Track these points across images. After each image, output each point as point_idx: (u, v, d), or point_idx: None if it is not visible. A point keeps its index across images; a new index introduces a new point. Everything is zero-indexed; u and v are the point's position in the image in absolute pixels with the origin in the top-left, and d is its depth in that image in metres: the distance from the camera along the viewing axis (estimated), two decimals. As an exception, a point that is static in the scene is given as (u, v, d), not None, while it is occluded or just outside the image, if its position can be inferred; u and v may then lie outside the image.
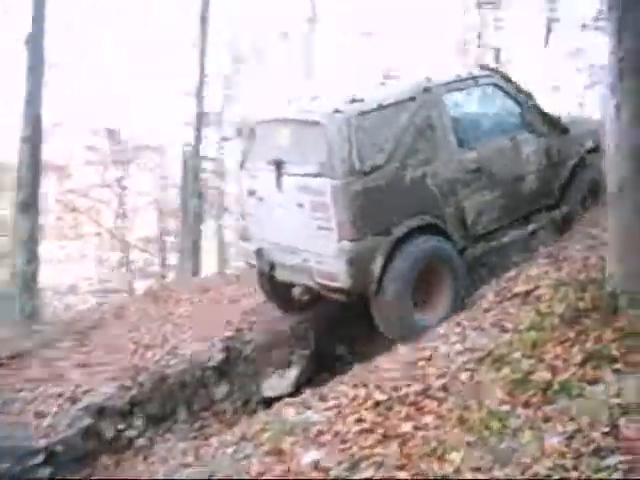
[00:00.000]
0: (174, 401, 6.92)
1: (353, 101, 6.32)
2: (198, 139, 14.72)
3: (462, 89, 7.03)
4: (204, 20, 13.92)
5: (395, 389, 4.80)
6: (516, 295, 5.83)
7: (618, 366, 4.14)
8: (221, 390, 7.24)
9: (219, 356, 7.37)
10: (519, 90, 7.36)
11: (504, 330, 5.20)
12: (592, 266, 5.53)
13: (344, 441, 4.31)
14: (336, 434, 4.44)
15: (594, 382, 4.06)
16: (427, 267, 6.37)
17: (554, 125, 7.42)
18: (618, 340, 4.34)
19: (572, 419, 3.76)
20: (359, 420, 4.51)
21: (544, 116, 7.37)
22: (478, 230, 6.86)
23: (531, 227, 7.26)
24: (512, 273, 6.47)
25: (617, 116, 4.54)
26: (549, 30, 16.16)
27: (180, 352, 7.42)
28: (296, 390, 6.93)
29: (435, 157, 6.52)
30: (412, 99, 6.49)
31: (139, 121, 22.29)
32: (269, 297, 7.87)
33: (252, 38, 24.43)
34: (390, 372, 5.19)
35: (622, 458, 3.36)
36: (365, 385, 5.08)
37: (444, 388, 4.60)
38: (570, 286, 5.28)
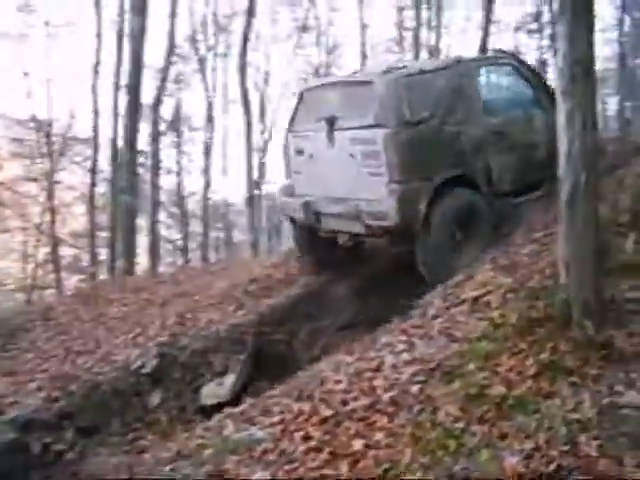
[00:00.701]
0: (106, 411, 6.53)
1: (397, 68, 7.26)
2: (132, 132, 14.17)
3: (486, 65, 8.09)
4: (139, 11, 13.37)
5: (343, 403, 4.58)
6: (464, 301, 5.69)
7: (574, 379, 4.03)
8: (155, 398, 6.89)
9: (153, 362, 7.02)
10: (531, 71, 8.28)
11: (453, 339, 5.05)
12: (541, 273, 5.41)
13: (291, 461, 4.06)
14: (282, 453, 4.18)
15: (550, 396, 3.94)
16: (463, 214, 7.05)
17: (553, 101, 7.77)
18: (573, 351, 4.23)
19: (529, 436, 3.63)
20: (306, 437, 4.27)
21: (551, 95, 7.39)
22: (501, 187, 7.49)
23: (539, 192, 7.65)
24: (459, 278, 6.33)
25: (569, 121, 4.42)
26: (486, 32, 16.28)
27: (113, 358, 7.06)
28: (235, 397, 6.67)
29: (467, 119, 7.23)
30: (447, 68, 7.39)
31: (70, 113, 21.61)
32: (307, 252, 8.49)
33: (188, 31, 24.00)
34: (336, 384, 4.96)
35: (582, 478, 3.25)
36: (310, 398, 4.85)
37: (394, 402, 4.40)
38: (521, 293, 5.17)
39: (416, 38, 20.72)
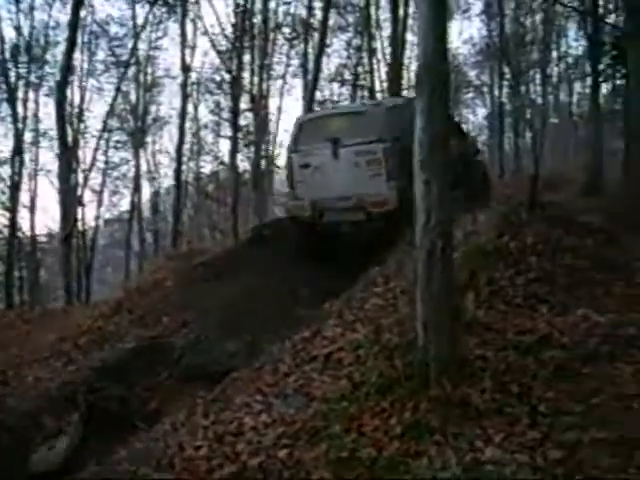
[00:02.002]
0: None
1: (376, 104, 10.78)
2: None
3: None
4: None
5: (208, 471, 4.45)
6: (316, 358, 5.77)
7: (437, 437, 4.21)
8: (-21, 469, 6.29)
9: (-24, 428, 6.44)
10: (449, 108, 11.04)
11: (312, 398, 5.09)
12: (390, 330, 5.62)
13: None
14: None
15: (418, 456, 4.08)
16: None
17: (463, 134, 11.85)
18: (433, 410, 4.42)
19: (404, 499, 3.73)
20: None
21: (459, 127, 11.64)
22: None
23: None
24: (306, 334, 6.42)
25: (427, 192, 4.68)
26: (315, 82, 16.90)
27: None
28: (69, 463, 6.27)
29: None
30: (405, 103, 9.79)
31: None
32: (303, 242, 10.39)
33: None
34: (197, 450, 4.81)
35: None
36: (172, 466, 4.67)
37: (262, 468, 4.35)
38: (373, 351, 5.32)
39: (238, 81, 21.01)
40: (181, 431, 5.36)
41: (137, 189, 26.93)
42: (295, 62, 26.54)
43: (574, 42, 34.60)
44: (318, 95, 27.36)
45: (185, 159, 26.13)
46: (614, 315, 5.75)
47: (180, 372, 7.82)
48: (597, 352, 5.21)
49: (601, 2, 23.26)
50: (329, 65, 28.64)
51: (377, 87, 24.68)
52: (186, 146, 25.90)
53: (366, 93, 25.61)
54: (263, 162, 25.04)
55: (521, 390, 4.71)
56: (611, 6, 24.86)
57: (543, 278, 6.20)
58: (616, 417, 4.44)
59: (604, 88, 21.19)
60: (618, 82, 18.28)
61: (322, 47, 18.75)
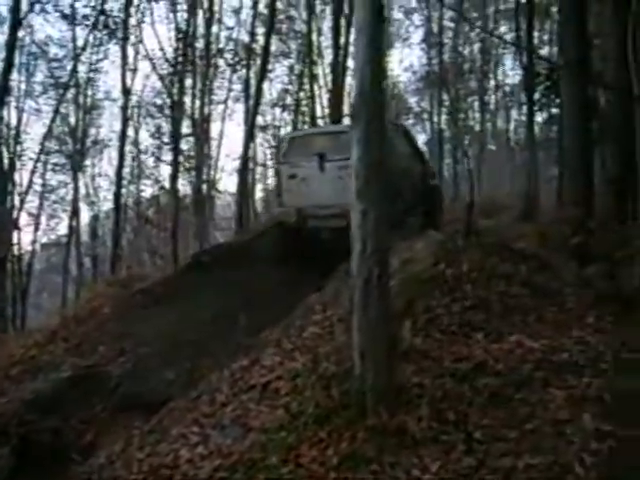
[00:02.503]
0: None
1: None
2: None
3: (397, 128, 12.85)
4: None
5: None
6: (254, 387, 5.72)
7: (374, 467, 4.22)
8: None
9: None
10: (409, 135, 13.23)
11: (249, 429, 5.05)
12: (327, 359, 5.62)
13: None
14: None
15: (355, 486, 4.07)
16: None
17: (423, 159, 13.32)
18: (370, 439, 4.43)
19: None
20: None
21: (420, 153, 13.18)
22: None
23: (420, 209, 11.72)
24: (245, 362, 6.37)
25: (363, 221, 4.73)
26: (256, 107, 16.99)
27: None
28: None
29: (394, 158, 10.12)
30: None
31: None
32: (287, 246, 11.11)
33: None
34: (131, 484, 4.72)
35: None
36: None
37: (198, 502, 4.29)
38: (311, 380, 5.32)
39: (179, 105, 20.93)
40: (117, 464, 5.26)
41: (75, 213, 26.45)
42: (237, 87, 26.62)
43: (511, 71, 35.61)
44: (260, 120, 27.56)
45: (125, 183, 25.78)
46: (547, 341, 5.88)
47: (116, 402, 7.66)
48: (531, 378, 5.31)
49: (536, 33, 24.20)
50: (271, 90, 28.88)
51: (318, 113, 24.92)
52: (126, 169, 25.59)
53: (307, 119, 25.81)
54: (204, 187, 24.93)
55: (457, 417, 4.77)
56: (546, 37, 25.78)
57: (478, 305, 6.31)
58: (549, 443, 4.52)
59: (539, 117, 21.83)
60: (553, 111, 18.80)
61: (264, 73, 18.84)
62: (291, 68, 27.86)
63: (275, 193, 11.88)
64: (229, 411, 5.49)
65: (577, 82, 10.98)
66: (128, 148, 24.74)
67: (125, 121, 21.23)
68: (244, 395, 5.69)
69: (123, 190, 24.30)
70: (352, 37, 21.70)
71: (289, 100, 28.40)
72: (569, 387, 5.21)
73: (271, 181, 32.15)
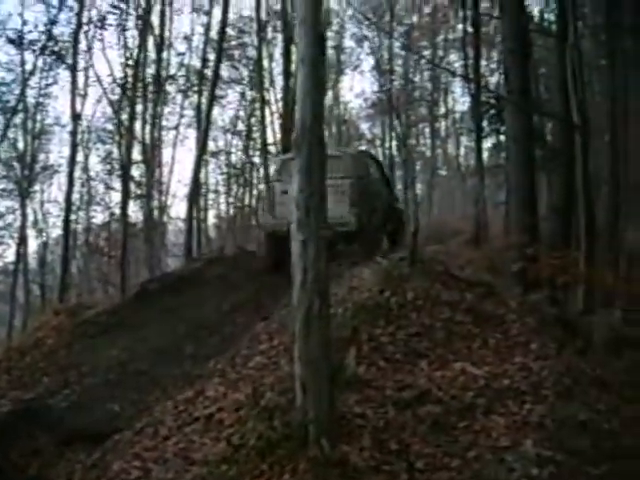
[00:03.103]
0: None
1: (343, 152, 13.98)
2: None
3: (369, 156, 15.20)
4: None
5: None
6: (197, 419, 5.66)
7: (315, 499, 4.18)
8: None
9: None
10: (379, 163, 15.65)
11: (191, 462, 4.98)
12: (272, 389, 5.59)
13: None
14: None
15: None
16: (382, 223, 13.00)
17: (389, 184, 15.48)
18: (312, 470, 4.40)
19: None
20: None
21: (387, 179, 15.38)
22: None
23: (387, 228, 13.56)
24: (189, 393, 6.30)
25: (304, 252, 4.74)
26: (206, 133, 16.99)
27: None
28: None
29: (368, 181, 12.77)
30: (361, 154, 14.61)
31: None
32: (276, 255, 12.00)
33: None
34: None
35: None
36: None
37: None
38: (254, 411, 5.27)
39: (130, 130, 20.75)
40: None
41: (23, 240, 25.92)
42: (189, 112, 26.54)
43: (460, 98, 36.23)
44: (212, 146, 27.51)
45: (75, 209, 25.39)
46: (490, 367, 5.94)
47: (60, 435, 7.47)
48: (473, 405, 5.36)
49: (485, 62, 24.76)
50: (223, 116, 28.88)
51: (270, 139, 24.97)
52: (76, 196, 25.22)
53: (259, 145, 25.84)
54: (156, 213, 24.70)
55: (399, 447, 4.78)
56: (494, 66, 26.36)
57: (423, 333, 6.36)
58: (491, 470, 4.56)
59: (488, 143, 22.25)
60: (501, 138, 19.19)
61: (213, 98, 18.83)
62: (242, 94, 27.92)
63: (267, 207, 13.11)
64: (172, 444, 5.41)
65: (521, 111, 11.24)
66: (78, 174, 24.40)
67: (74, 147, 20.89)
68: (188, 427, 5.62)
69: (73, 216, 23.95)
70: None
71: (241, 126, 28.43)
72: (511, 414, 5.26)
73: (223, 207, 32.12)
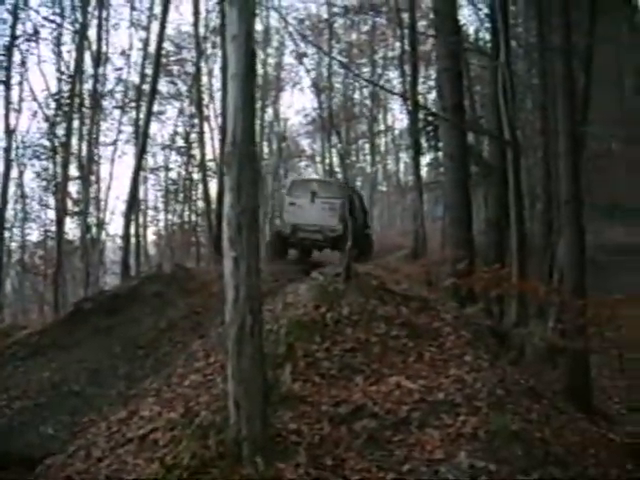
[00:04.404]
0: None
1: (335, 180, 23.33)
2: None
3: (354, 189, 21.79)
4: None
5: None
6: (131, 440, 5.54)
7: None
8: None
9: None
10: (361, 196, 20.58)
11: (122, 485, 4.87)
12: (207, 407, 5.52)
13: None
14: None
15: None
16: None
17: (365, 212, 19.69)
18: (246, 489, 4.36)
19: None
20: None
21: (365, 209, 19.82)
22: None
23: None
24: (123, 414, 6.17)
25: (235, 269, 4.71)
26: (143, 148, 16.81)
27: None
28: None
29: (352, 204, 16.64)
30: (349, 185, 21.45)
31: None
32: (278, 250, 16.86)
33: None
34: None
35: None
36: None
37: None
38: (189, 430, 5.20)
39: (66, 146, 20.39)
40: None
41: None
42: (128, 129, 26.21)
43: (399, 115, 36.77)
44: (151, 162, 27.20)
45: (9, 226, 24.74)
46: (425, 381, 5.99)
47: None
48: (408, 419, 5.39)
49: (422, 80, 25.17)
50: (162, 132, 28.64)
51: (210, 155, 24.82)
52: (10, 212, 24.60)
53: (197, 161, 25.65)
54: (94, 230, 24.24)
55: (335, 462, 4.79)
56: (432, 83, 26.83)
57: (358, 348, 6.37)
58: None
59: (425, 159, 22.60)
60: (439, 154, 19.53)
61: (149, 114, 18.64)
62: (181, 110, 27.75)
63: (279, 214, 19.30)
64: (104, 466, 5.29)
65: (454, 128, 11.46)
66: (12, 190, 23.82)
67: (8, 162, 20.46)
68: (121, 449, 5.50)
69: (7, 234, 23.36)
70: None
71: (180, 142, 28.20)
72: (445, 426, 5.32)
73: (162, 224, 31.68)
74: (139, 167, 16.52)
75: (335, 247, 15.66)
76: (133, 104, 24.85)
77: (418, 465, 4.86)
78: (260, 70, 28.32)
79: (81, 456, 5.72)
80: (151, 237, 31.70)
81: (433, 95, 26.89)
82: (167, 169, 29.05)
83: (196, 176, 27.64)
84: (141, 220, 27.59)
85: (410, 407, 5.52)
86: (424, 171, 23.26)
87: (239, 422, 4.66)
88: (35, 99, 21.90)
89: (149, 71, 22.37)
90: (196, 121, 25.43)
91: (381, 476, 4.72)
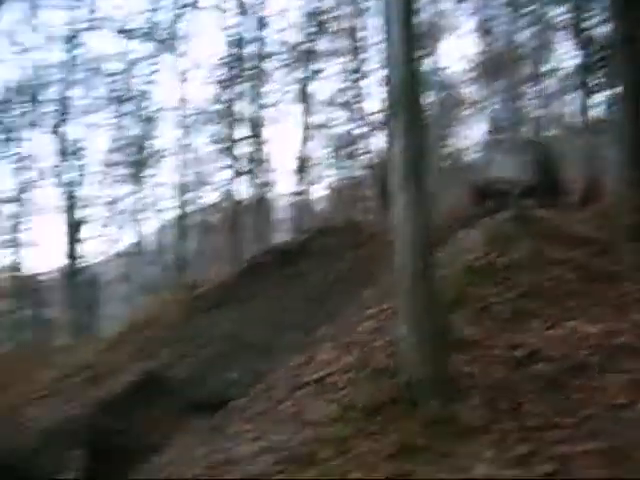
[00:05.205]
0: None
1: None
2: None
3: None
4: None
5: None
6: (309, 383, 5.78)
7: (428, 456, 4.21)
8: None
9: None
10: (545, 146, 16.83)
11: (304, 423, 5.10)
12: (381, 351, 5.64)
13: None
14: None
15: (408, 476, 4.07)
16: None
17: (552, 162, 15.94)
18: (423, 429, 4.43)
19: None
20: None
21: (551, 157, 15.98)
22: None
23: None
24: (301, 359, 6.44)
25: (408, 214, 4.73)
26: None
27: None
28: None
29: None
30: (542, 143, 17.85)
31: None
32: None
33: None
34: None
35: None
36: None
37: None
38: (364, 373, 5.34)
39: (230, 110, 21.23)
40: (180, 462, 5.39)
41: (140, 222, 26.98)
42: (292, 88, 26.66)
43: (565, 54, 34.71)
44: (316, 119, 27.42)
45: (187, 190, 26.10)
46: (603, 325, 5.76)
47: (179, 405, 7.84)
48: (586, 363, 5.22)
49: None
50: (326, 89, 28.74)
51: (374, 108, 24.74)
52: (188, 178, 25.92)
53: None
54: (263, 190, 25.07)
55: (510, 406, 4.73)
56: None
57: (531, 292, 6.23)
58: (606, 428, 4.44)
59: (598, 98, 21.34)
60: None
61: (313, 73, 18.89)
62: (344, 66, 27.80)
63: None
64: (285, 407, 5.57)
65: (629, 62, 10.68)
66: (188, 156, 25.07)
67: (184, 129, 21.53)
68: (299, 391, 5.76)
69: (185, 197, 24.71)
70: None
71: (344, 98, 28.29)
72: (624, 371, 5.10)
73: (330, 179, 32.01)
74: (305, 125, 16.83)
75: (527, 196, 14.94)
76: (295, 64, 25.20)
77: (598, 410, 4.70)
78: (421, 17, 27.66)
79: (262, 399, 6.05)
80: (319, 193, 32.20)
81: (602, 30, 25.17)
82: (331, 126, 29.24)
83: (361, 130, 27.66)
84: (309, 177, 28.12)
85: (588, 351, 5.34)
86: (594, 112, 21.88)
87: (413, 365, 4.73)
88: (203, 67, 22.80)
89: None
90: (359, 75, 25.40)
91: (558, 421, 4.62)
